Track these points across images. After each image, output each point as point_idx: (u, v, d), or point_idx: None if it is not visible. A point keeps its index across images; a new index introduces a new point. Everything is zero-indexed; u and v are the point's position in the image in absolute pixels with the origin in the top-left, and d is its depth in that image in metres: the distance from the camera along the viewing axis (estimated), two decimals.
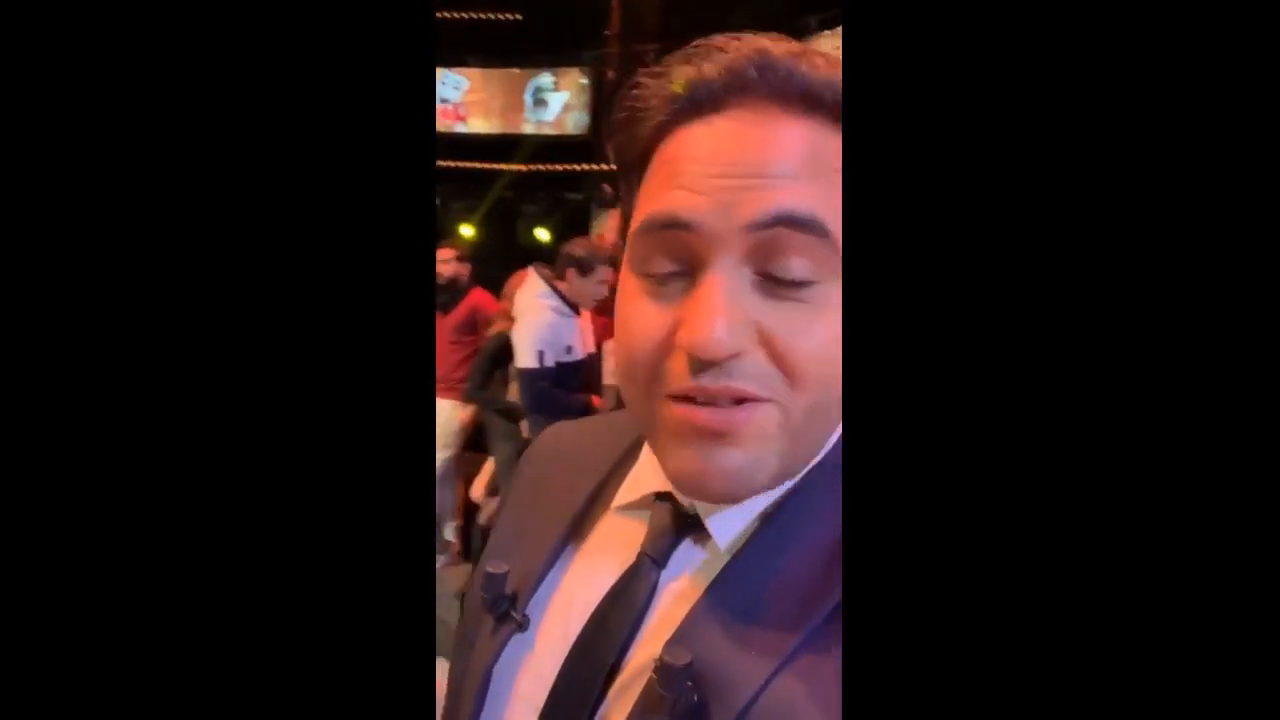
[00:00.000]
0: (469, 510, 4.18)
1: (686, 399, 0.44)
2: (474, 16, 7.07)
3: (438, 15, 7.10)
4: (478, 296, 4.08)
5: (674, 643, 0.45)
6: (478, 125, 7.44)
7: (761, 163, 0.43)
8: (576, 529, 0.57)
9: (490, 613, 0.55)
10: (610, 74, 6.81)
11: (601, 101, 7.08)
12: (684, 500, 0.51)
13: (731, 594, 0.47)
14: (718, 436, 0.44)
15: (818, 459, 0.49)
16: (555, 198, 7.53)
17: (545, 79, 7.33)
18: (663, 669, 0.43)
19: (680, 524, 0.51)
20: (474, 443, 4.60)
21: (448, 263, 4.04)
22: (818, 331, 0.43)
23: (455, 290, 4.04)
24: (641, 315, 0.46)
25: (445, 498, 4.25)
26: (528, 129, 7.40)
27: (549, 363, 2.72)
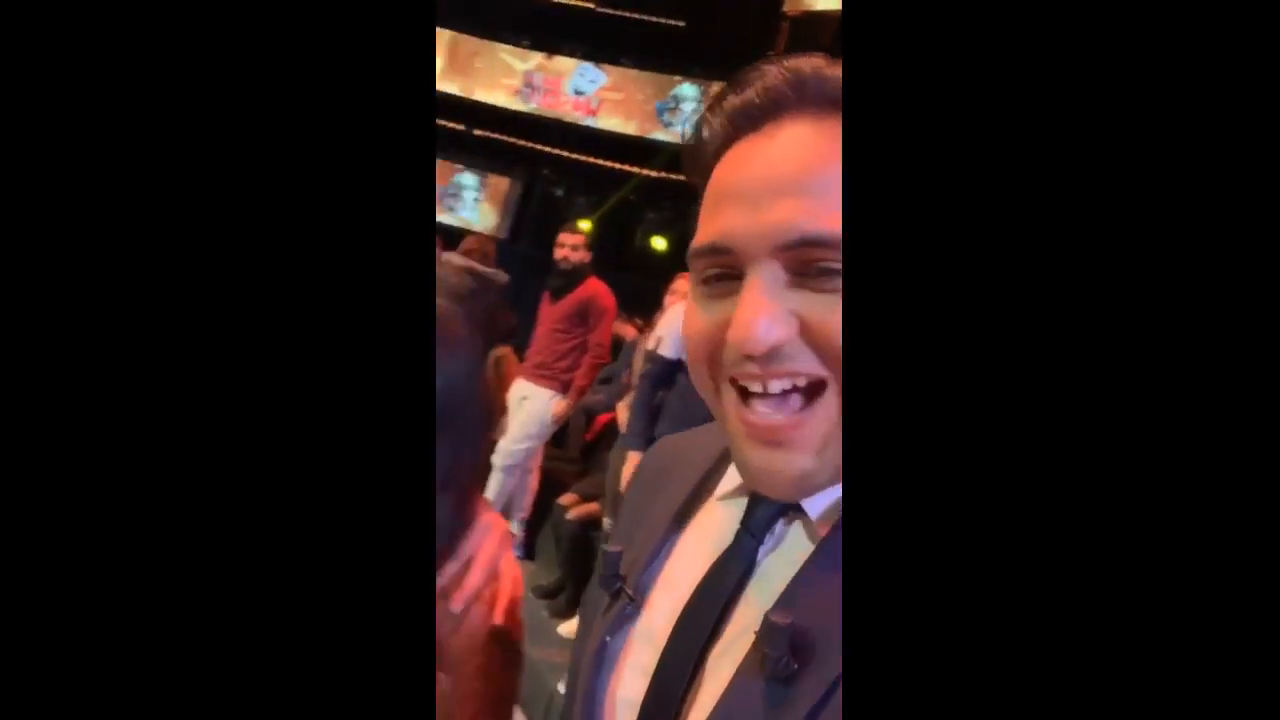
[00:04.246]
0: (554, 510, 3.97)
1: (747, 391, 0.51)
2: (632, 16, 6.98)
3: (595, 10, 7.01)
4: (593, 287, 3.84)
5: (778, 606, 0.49)
6: (610, 124, 7.33)
7: (785, 178, 0.49)
8: (682, 517, 0.63)
9: (605, 589, 0.61)
10: None
11: None
12: None
13: (828, 566, 0.49)
14: (777, 444, 0.50)
15: None
16: (680, 209, 7.32)
17: (687, 88, 7.16)
18: (766, 627, 0.47)
19: (777, 504, 0.54)
20: (556, 439, 4.40)
21: (566, 248, 3.83)
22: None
23: (571, 276, 3.82)
24: (697, 319, 0.53)
25: (518, 490, 4.02)
26: (660, 135, 7.22)
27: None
